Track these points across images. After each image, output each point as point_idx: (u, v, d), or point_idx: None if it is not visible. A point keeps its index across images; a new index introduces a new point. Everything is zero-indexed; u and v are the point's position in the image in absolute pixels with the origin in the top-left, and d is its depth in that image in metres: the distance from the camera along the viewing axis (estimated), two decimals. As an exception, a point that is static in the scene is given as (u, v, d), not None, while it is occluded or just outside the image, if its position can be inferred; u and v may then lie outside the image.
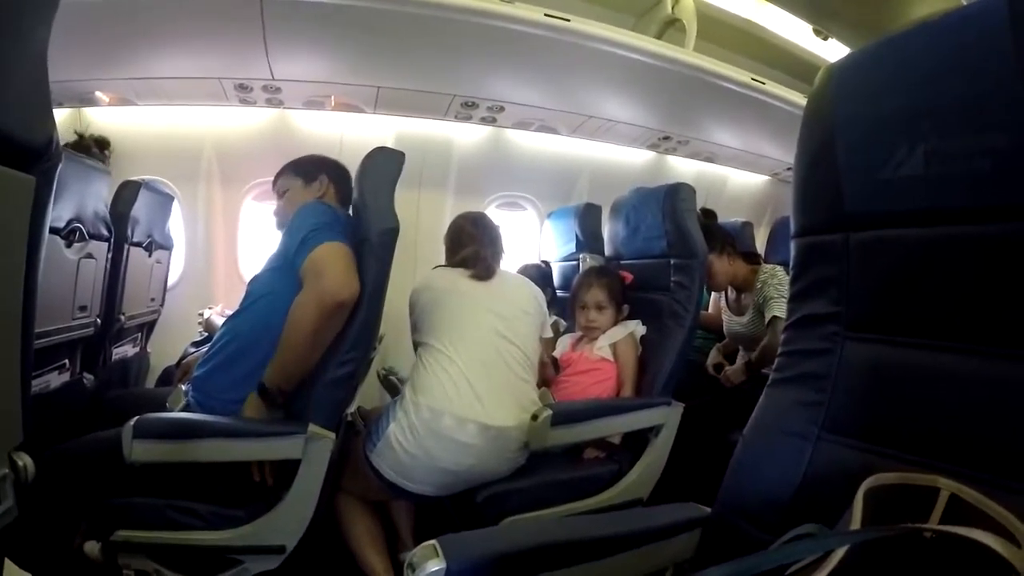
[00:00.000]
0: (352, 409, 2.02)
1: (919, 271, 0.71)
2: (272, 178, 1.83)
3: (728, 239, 2.44)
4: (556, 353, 2.10)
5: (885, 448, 0.72)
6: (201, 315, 2.57)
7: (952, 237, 0.68)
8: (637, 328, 2.01)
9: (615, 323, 2.04)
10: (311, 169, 1.76)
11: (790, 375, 0.87)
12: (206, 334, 2.53)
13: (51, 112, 0.70)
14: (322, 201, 1.63)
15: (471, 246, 1.87)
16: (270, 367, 1.41)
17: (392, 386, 2.33)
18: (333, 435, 1.40)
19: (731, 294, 2.53)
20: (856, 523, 0.56)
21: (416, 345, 1.75)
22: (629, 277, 2.16)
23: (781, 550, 0.61)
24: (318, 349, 1.41)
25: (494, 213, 3.57)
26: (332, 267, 1.37)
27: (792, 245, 0.90)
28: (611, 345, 1.98)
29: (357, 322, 1.42)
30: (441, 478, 1.56)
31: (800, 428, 0.81)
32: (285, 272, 1.48)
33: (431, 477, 1.56)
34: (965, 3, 0.67)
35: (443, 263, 1.95)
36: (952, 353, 0.68)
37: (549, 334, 1.91)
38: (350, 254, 1.42)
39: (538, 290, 1.90)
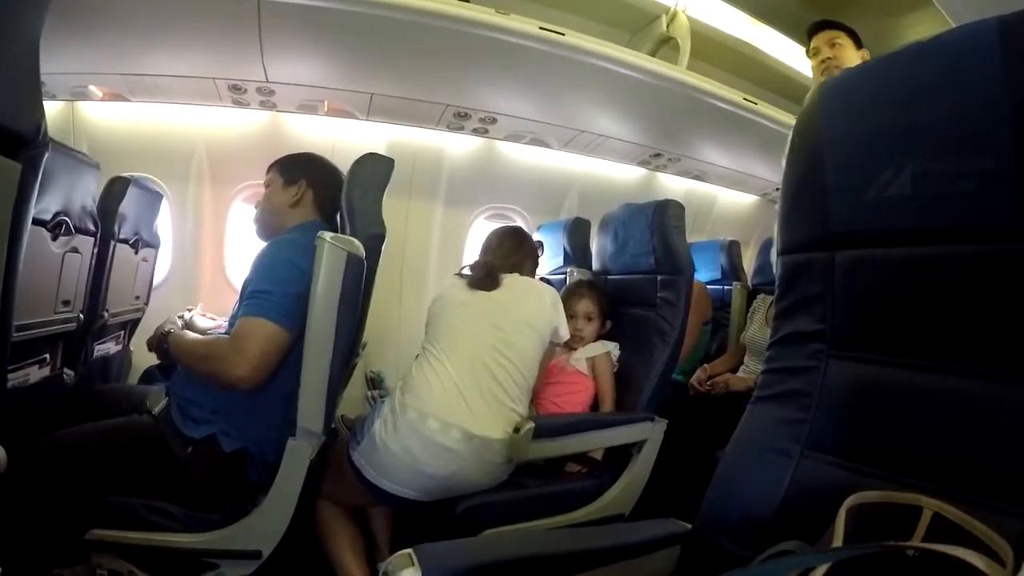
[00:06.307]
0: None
1: (904, 290, 0.71)
2: (263, 181, 1.76)
3: None
4: None
5: (867, 467, 0.71)
6: (180, 317, 2.53)
7: (938, 257, 0.68)
8: (614, 350, 2.03)
9: (597, 337, 2.05)
10: (293, 171, 1.68)
11: (774, 392, 0.86)
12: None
13: (40, 99, 0.69)
14: (291, 241, 1.51)
15: (482, 256, 1.93)
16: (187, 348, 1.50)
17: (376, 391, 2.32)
18: (313, 441, 1.38)
19: None
20: (838, 540, 0.56)
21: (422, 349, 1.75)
22: None
23: (761, 567, 0.60)
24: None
25: (483, 224, 3.58)
26: (248, 348, 1.35)
27: (778, 262, 0.90)
28: (588, 360, 1.99)
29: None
30: (422, 481, 1.54)
31: (783, 445, 0.81)
32: None
33: (411, 479, 1.54)
34: (955, 26, 0.67)
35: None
36: (936, 373, 0.68)
37: (562, 339, 1.84)
38: (276, 339, 1.37)
39: (554, 298, 1.82)
